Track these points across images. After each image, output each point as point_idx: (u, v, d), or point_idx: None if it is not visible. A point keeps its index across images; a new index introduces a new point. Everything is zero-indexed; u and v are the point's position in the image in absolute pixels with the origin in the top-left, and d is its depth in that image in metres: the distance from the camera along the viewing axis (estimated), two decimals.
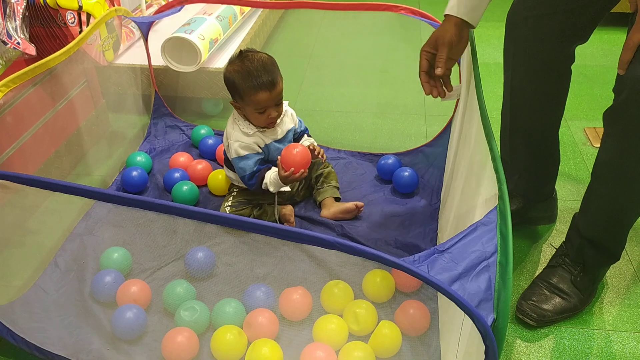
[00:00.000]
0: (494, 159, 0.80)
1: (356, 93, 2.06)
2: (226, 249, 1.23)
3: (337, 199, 1.45)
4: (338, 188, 1.48)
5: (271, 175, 1.32)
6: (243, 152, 1.33)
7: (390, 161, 1.54)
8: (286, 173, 1.26)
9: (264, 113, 1.29)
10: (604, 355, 1.10)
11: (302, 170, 1.26)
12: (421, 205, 1.44)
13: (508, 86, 1.26)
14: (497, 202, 0.76)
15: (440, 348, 1.07)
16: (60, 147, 1.51)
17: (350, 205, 1.39)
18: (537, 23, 1.14)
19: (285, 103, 1.38)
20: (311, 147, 1.37)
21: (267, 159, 1.38)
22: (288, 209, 1.41)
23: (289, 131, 1.40)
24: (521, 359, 1.10)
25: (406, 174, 1.48)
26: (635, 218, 1.12)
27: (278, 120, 1.35)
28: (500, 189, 0.75)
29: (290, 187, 1.42)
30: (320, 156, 1.39)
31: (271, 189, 1.32)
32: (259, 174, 1.33)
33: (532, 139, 1.28)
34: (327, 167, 1.50)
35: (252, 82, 1.25)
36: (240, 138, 1.32)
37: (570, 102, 1.26)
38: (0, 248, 1.10)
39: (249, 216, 1.37)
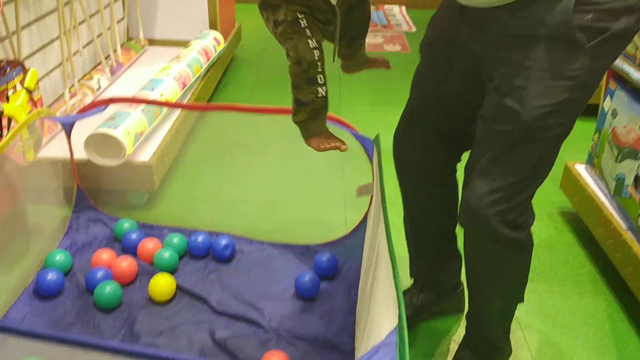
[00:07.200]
0: (396, 287, 0.87)
1: (279, 181, 2.15)
2: None
3: None
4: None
5: None
6: None
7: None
8: None
9: None
10: None
11: None
12: (341, 299, 1.50)
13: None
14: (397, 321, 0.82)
15: None
16: None
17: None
18: (417, 140, 1.30)
19: None
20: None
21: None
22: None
23: None
24: None
25: (325, 258, 1.58)
26: (497, 320, 1.25)
27: None
28: (399, 313, 0.82)
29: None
30: None
31: None
32: None
33: (431, 240, 1.41)
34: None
35: None
36: None
37: None
38: None
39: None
